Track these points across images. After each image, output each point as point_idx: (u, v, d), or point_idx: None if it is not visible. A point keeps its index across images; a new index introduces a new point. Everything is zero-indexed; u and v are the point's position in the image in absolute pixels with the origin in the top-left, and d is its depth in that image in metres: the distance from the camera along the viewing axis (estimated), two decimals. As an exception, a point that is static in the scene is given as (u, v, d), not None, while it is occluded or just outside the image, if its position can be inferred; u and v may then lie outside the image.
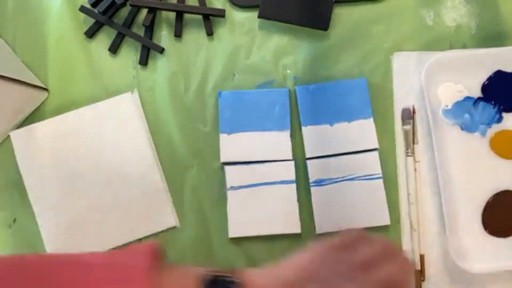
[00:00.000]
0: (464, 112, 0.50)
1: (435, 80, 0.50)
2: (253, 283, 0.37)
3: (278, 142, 0.50)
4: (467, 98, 0.50)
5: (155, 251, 0.37)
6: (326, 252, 0.38)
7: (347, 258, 0.38)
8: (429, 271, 0.48)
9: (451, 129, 0.50)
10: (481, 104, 0.50)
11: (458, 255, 0.46)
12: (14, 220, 0.51)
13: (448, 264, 0.48)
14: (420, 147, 0.50)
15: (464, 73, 0.50)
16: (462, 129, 0.50)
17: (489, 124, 0.50)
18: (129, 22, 0.54)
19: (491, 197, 0.48)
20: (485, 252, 0.47)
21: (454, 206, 0.48)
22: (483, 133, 0.50)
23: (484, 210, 0.48)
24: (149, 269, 0.35)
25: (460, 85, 0.50)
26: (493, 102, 0.50)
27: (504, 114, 0.50)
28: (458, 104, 0.50)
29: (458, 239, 0.47)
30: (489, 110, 0.50)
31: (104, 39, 0.55)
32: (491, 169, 0.49)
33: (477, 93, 0.50)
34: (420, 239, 0.48)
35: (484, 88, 0.50)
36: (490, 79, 0.50)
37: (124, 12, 0.55)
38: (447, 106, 0.50)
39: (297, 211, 0.49)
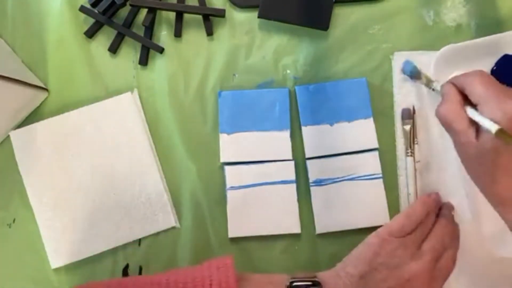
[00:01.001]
0: None
1: (444, 72, 0.50)
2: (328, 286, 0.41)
3: (278, 142, 0.50)
4: None
5: (233, 264, 0.39)
6: (386, 239, 0.41)
7: (406, 240, 0.42)
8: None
9: None
10: None
11: (489, 240, 0.46)
12: (14, 220, 0.51)
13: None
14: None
15: (472, 62, 0.50)
16: None
17: None
18: (129, 22, 0.54)
19: None
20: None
21: (476, 192, 0.47)
22: None
23: None
24: (236, 281, 0.37)
25: None
26: None
27: None
28: None
29: (479, 225, 0.47)
30: None
31: (104, 39, 0.55)
32: None
33: None
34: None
35: (493, 73, 0.50)
36: (497, 64, 0.50)
37: (124, 12, 0.55)
38: None
39: (297, 211, 0.49)
